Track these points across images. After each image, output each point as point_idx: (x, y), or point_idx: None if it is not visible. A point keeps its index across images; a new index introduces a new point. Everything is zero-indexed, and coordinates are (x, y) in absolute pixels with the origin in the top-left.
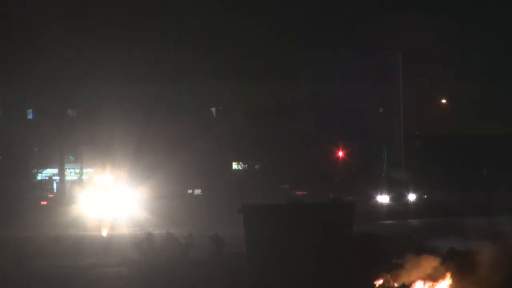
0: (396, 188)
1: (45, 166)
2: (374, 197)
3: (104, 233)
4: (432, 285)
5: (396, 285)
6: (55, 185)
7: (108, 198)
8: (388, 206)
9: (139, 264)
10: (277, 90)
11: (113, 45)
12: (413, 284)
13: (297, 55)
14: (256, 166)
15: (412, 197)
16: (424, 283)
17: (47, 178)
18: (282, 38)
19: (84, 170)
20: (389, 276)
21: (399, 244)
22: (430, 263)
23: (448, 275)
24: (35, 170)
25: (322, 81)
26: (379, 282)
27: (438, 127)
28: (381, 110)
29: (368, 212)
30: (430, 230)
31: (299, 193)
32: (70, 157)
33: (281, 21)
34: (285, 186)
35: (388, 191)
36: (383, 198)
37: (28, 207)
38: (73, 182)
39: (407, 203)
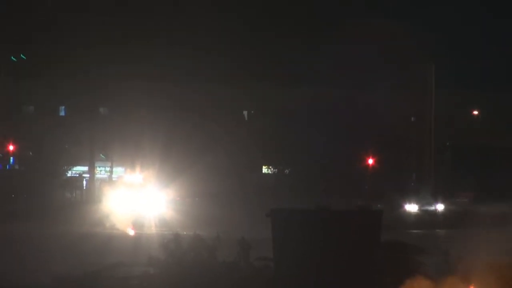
0: (425, 197)
1: (76, 164)
2: (403, 206)
3: (132, 232)
4: None
5: None
6: (84, 183)
7: (137, 198)
8: (416, 215)
9: (166, 264)
10: (309, 96)
11: (147, 45)
12: None
13: (330, 62)
14: (286, 171)
15: (440, 207)
16: None
17: (77, 175)
18: (315, 45)
19: (114, 169)
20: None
21: (427, 254)
22: (458, 276)
23: None
24: (65, 167)
25: (354, 89)
26: None
27: (469, 137)
28: (412, 119)
29: (396, 221)
30: (458, 241)
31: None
32: (101, 155)
33: (314, 28)
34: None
35: (417, 200)
36: (411, 207)
37: (58, 204)
38: (102, 181)
39: (435, 213)
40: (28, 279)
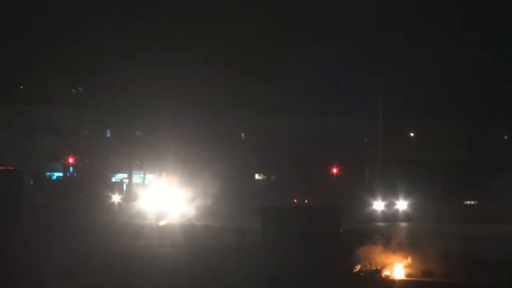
0: (385, 197)
1: (118, 172)
2: (372, 204)
3: (160, 222)
4: (393, 267)
5: (371, 269)
6: (124, 187)
7: (164, 197)
8: (381, 212)
9: (184, 246)
10: (289, 121)
11: (170, 82)
12: (383, 268)
13: (304, 93)
14: (273, 177)
15: (402, 205)
16: (390, 266)
17: (119, 181)
18: (282, 77)
19: (146, 176)
20: (366, 262)
21: (375, 239)
22: (394, 252)
23: (405, 260)
24: (110, 174)
25: (321, 115)
26: (359, 266)
27: (408, 154)
28: (366, 139)
29: (362, 216)
30: (403, 230)
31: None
32: (137, 162)
33: (280, 59)
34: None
35: (382, 199)
36: (378, 205)
37: (105, 202)
38: (138, 184)
39: (397, 210)
40: (89, 257)
